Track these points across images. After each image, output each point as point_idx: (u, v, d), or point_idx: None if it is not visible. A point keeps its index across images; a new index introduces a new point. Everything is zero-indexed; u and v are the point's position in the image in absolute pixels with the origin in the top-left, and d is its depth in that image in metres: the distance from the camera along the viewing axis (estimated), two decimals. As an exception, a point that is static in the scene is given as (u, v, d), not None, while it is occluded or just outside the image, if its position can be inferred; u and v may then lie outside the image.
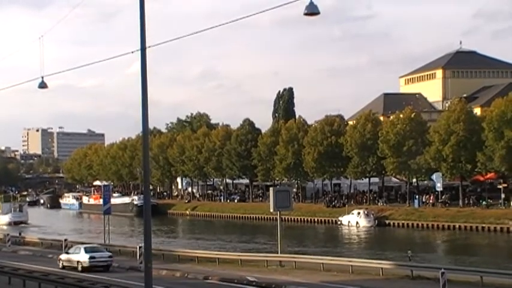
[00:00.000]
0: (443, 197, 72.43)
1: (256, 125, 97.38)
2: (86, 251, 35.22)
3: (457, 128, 67.97)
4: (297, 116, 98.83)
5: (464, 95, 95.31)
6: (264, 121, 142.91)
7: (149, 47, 18.11)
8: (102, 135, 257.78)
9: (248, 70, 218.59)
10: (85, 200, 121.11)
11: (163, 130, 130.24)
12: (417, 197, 74.63)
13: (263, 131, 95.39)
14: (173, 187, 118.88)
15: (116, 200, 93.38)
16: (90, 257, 34.51)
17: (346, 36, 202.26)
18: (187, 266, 36.36)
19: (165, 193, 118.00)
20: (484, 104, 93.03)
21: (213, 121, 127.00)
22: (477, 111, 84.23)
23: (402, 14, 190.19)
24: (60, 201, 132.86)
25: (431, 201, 72.92)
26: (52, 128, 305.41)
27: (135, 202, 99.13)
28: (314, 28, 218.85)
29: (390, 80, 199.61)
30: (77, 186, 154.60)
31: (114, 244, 46.76)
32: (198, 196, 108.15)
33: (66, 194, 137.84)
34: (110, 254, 36.35)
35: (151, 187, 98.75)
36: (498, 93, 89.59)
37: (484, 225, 63.39)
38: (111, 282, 28.16)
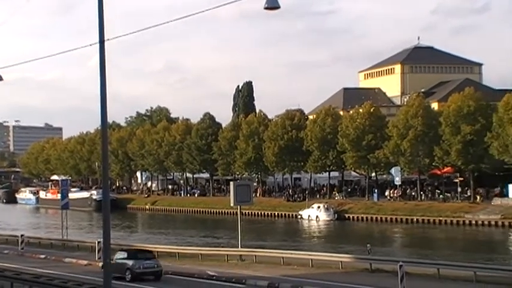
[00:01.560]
0: (408, 191, 73.61)
1: (217, 119, 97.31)
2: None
3: (415, 123, 68.87)
4: (257, 110, 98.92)
5: (422, 90, 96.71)
6: (225, 115, 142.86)
7: (108, 39, 17.85)
8: (60, 129, 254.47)
9: (209, 64, 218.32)
10: (42, 194, 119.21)
11: (123, 124, 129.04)
12: (376, 190, 75.47)
13: (224, 125, 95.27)
14: (133, 181, 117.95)
15: (74, 194, 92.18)
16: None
17: (308, 31, 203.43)
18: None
19: (124, 188, 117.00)
20: (441, 99, 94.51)
21: (173, 115, 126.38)
22: (434, 106, 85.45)
23: (363, 9, 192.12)
24: (17, 196, 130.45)
25: (395, 194, 73.63)
26: (8, 122, 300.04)
27: (94, 197, 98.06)
28: (276, 22, 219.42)
29: (350, 75, 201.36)
30: (34, 181, 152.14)
31: (72, 239, 46.21)
32: (157, 190, 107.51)
33: (22, 189, 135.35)
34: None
35: (110, 181, 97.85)
36: (455, 88, 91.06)
37: (441, 218, 64.47)
38: (69, 278, 27.79)
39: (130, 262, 28.88)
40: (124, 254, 29.83)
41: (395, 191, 73.74)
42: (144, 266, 28.84)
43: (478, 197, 66.88)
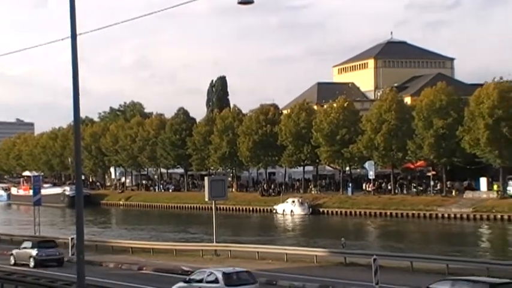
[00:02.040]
0: (383, 185, 74.21)
1: (191, 115, 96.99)
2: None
3: (388, 117, 69.33)
4: (231, 105, 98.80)
5: (395, 85, 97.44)
6: (199, 111, 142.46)
7: (80, 34, 17.66)
8: (32, 124, 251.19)
9: (184, 59, 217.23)
10: (14, 191, 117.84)
11: (96, 119, 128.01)
12: (350, 185, 75.90)
13: (198, 120, 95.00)
14: (106, 177, 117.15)
15: (47, 190, 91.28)
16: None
17: (282, 26, 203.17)
18: (121, 257, 35.95)
19: (98, 183, 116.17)
20: (414, 93, 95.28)
21: (147, 110, 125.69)
22: (407, 100, 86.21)
23: (337, 4, 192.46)
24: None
25: (370, 188, 74.01)
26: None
27: (67, 193, 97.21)
28: (251, 17, 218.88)
29: (324, 70, 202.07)
30: (5, 177, 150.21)
31: (45, 236, 45.72)
32: (131, 186, 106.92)
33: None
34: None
35: (83, 177, 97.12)
36: (427, 83, 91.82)
37: (414, 211, 65.06)
38: (40, 275, 27.56)
39: (34, 251, 32.54)
40: (29, 244, 33.58)
41: (371, 185, 74.21)
42: (46, 254, 32.60)
43: (454, 191, 67.66)
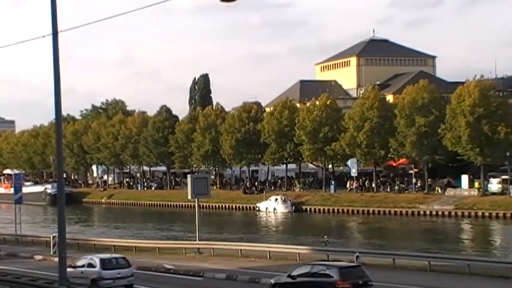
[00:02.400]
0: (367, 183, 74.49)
1: (174, 112, 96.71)
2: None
3: (370, 115, 69.59)
4: (214, 103, 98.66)
5: (378, 83, 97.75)
6: (182, 108, 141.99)
7: (61, 31, 17.54)
8: (13, 122, 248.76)
9: (167, 57, 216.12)
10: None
11: (78, 117, 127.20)
12: (333, 182, 76.10)
13: (181, 118, 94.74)
14: (88, 175, 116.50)
15: (28, 188, 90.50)
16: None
17: (266, 23, 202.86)
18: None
19: (79, 181, 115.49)
20: (396, 91, 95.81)
21: (129, 108, 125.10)
22: (390, 98, 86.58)
23: (321, 1, 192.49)
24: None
25: (353, 186, 74.18)
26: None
27: (49, 191, 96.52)
28: (234, 15, 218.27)
29: (307, 68, 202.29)
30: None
31: (26, 234, 45.46)
32: (114, 184, 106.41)
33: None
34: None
35: (65, 175, 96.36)
36: (409, 80, 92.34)
37: (396, 209, 65.37)
38: (22, 273, 27.34)
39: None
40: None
41: (355, 183, 74.42)
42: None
43: (437, 188, 68.12)
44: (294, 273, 22.37)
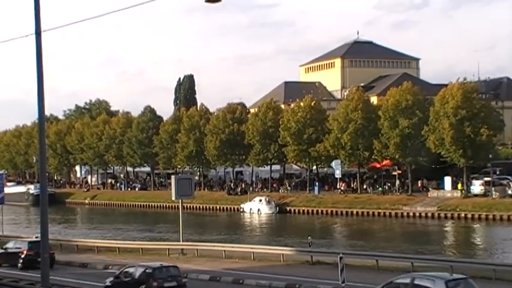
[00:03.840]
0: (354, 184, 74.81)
1: (158, 113, 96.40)
2: None
3: (355, 117, 69.79)
4: (198, 104, 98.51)
5: (362, 84, 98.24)
6: (167, 109, 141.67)
7: (45, 31, 17.44)
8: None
9: (152, 57, 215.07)
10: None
11: (61, 117, 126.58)
12: (317, 183, 76.23)
13: (165, 118, 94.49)
14: (72, 176, 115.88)
15: (11, 189, 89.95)
16: None
17: (252, 24, 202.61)
18: (86, 256, 35.60)
19: (63, 182, 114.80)
20: (380, 93, 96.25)
21: (113, 108, 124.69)
22: (374, 100, 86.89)
23: (308, 3, 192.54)
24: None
25: (342, 188, 74.16)
26: None
27: (31, 191, 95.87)
28: (221, 16, 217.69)
29: (292, 69, 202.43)
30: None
31: (8, 235, 45.08)
32: (97, 184, 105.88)
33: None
34: None
35: (48, 175, 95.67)
36: (393, 82, 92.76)
37: (380, 210, 65.64)
38: (4, 275, 27.13)
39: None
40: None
41: (344, 184, 74.49)
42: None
43: (423, 187, 68.69)
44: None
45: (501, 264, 29.91)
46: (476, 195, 63.14)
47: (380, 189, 71.53)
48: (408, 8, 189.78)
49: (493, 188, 62.18)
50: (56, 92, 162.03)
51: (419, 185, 69.87)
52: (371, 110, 71.37)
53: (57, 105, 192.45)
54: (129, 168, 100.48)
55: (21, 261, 31.50)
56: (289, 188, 79.54)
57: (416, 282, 19.78)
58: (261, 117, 78.45)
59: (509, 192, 61.72)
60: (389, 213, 64.77)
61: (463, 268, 26.78)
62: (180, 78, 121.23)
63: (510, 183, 63.81)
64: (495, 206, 59.35)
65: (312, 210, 70.23)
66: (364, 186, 73.99)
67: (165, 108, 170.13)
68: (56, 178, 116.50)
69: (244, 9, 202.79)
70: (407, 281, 20.16)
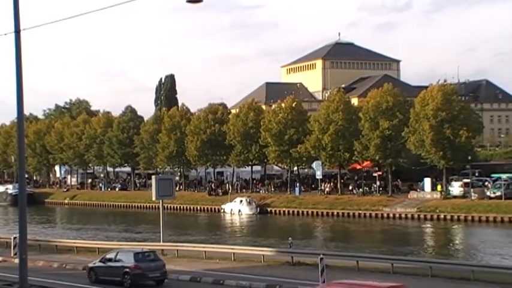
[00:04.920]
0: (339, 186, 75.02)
1: (140, 113, 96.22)
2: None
3: (335, 118, 70.02)
4: (180, 104, 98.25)
5: (343, 86, 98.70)
6: (148, 109, 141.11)
7: (24, 29, 17.25)
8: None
9: (134, 57, 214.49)
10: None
11: (41, 117, 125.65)
12: (298, 184, 76.37)
13: (146, 118, 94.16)
14: (51, 175, 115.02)
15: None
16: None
17: (235, 25, 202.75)
18: (65, 257, 35.34)
19: (42, 181, 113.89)
20: (361, 94, 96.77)
21: (94, 108, 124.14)
22: (354, 101, 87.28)
23: (291, 4, 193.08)
24: None
25: (328, 189, 74.27)
26: None
27: (10, 191, 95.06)
28: (203, 16, 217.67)
29: (274, 70, 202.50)
30: None
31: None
32: (76, 184, 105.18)
33: None
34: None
35: (27, 175, 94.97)
36: (374, 84, 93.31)
37: (360, 211, 65.90)
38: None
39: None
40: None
41: (329, 185, 74.66)
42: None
43: (400, 190, 69.12)
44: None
45: (479, 265, 30.19)
46: (455, 197, 63.66)
47: (360, 190, 71.82)
48: (391, 10, 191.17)
49: (471, 190, 62.70)
50: (36, 92, 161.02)
51: (393, 185, 70.17)
52: (352, 112, 71.65)
53: (38, 105, 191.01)
54: (110, 169, 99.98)
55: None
56: (272, 189, 79.63)
57: (118, 256, 26.92)
58: (242, 117, 78.44)
59: (488, 193, 62.29)
60: (370, 214, 65.06)
61: (442, 269, 26.97)
62: (161, 78, 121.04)
63: (489, 184, 64.42)
64: (474, 207, 59.87)
65: (293, 211, 70.34)
66: (350, 188, 74.25)
67: (146, 108, 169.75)
68: (35, 178, 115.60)
69: (227, 10, 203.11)
70: (113, 255, 27.35)
